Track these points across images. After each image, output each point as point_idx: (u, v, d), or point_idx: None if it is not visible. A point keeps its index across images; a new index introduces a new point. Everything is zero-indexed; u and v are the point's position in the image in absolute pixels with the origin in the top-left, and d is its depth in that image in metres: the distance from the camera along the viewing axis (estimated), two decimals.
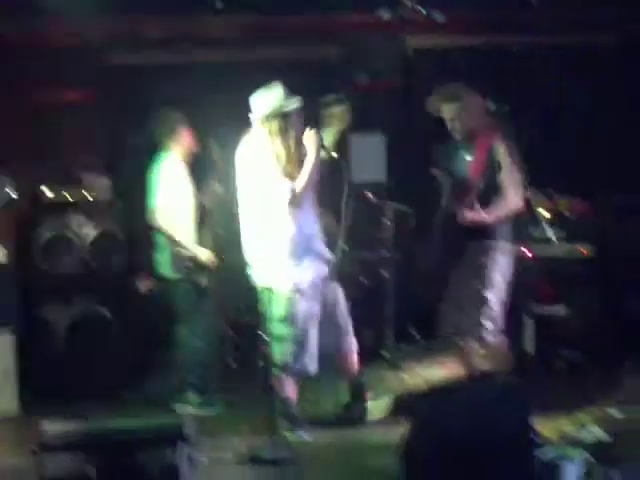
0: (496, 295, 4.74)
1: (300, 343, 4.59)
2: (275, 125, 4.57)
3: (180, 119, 5.41)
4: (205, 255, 5.28)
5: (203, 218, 5.40)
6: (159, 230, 5.29)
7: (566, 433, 4.43)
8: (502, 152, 4.81)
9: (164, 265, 5.38)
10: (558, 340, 5.92)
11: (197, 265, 5.28)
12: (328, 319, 4.74)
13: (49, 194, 6.04)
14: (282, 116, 4.57)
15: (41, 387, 5.54)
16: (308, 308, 4.60)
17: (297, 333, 4.58)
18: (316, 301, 4.65)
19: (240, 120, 4.71)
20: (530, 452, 3.65)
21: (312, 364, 4.65)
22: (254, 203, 4.63)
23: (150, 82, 7.36)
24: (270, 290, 4.61)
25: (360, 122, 7.23)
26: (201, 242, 5.36)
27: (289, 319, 4.57)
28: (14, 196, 5.53)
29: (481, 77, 7.40)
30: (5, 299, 5.40)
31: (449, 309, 4.74)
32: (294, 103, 4.61)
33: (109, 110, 6.72)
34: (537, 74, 7.65)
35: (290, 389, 4.69)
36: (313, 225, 4.69)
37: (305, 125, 4.61)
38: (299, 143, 4.60)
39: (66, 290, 5.87)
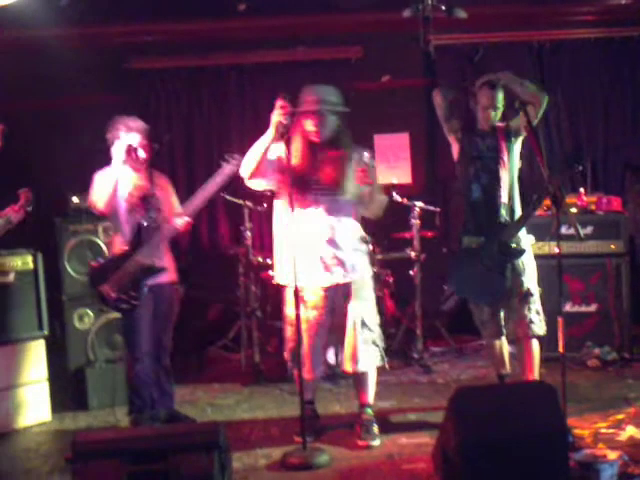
0: (537, 290, 4.67)
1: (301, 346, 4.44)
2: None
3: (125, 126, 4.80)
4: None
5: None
6: None
7: (601, 433, 4.39)
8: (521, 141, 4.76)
9: None
10: (590, 338, 5.86)
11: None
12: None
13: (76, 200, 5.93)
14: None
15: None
16: (310, 314, 4.54)
17: (299, 335, 4.40)
18: (320, 309, 4.55)
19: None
20: (564, 453, 3.61)
21: (313, 371, 4.59)
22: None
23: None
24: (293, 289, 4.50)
25: (385, 122, 7.25)
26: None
27: (292, 320, 4.47)
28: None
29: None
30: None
31: (490, 306, 4.67)
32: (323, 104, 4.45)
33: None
34: (562, 69, 7.59)
35: (305, 389, 4.55)
36: (322, 232, 4.49)
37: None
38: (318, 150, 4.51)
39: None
